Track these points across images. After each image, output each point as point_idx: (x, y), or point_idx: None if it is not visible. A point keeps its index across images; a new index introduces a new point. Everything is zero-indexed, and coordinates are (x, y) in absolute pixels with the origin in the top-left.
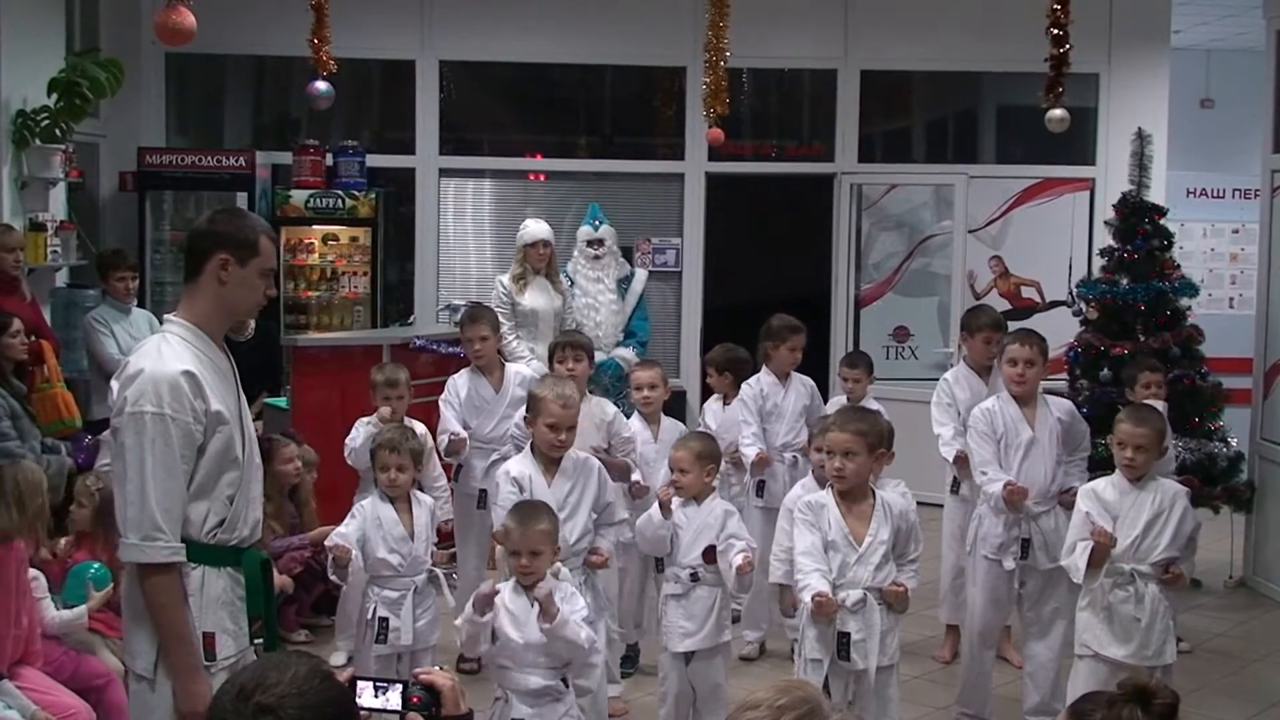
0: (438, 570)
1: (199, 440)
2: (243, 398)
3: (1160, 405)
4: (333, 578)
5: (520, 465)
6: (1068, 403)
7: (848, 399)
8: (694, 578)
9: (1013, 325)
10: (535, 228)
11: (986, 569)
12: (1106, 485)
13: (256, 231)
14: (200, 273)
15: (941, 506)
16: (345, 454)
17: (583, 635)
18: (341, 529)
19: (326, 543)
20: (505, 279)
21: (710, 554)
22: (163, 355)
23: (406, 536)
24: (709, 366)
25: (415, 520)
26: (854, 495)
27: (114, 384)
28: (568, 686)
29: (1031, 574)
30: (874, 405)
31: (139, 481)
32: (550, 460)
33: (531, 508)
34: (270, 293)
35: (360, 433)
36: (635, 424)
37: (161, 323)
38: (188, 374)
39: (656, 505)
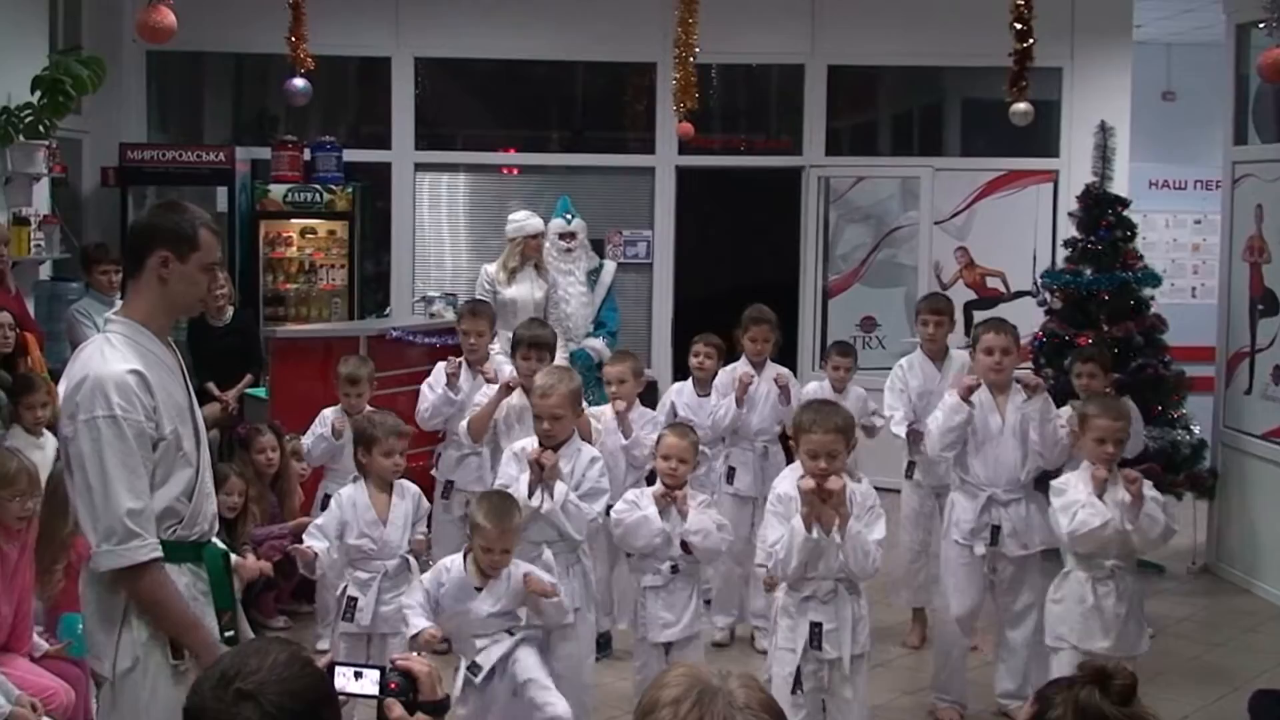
0: (410, 558)
1: (153, 437)
2: (192, 392)
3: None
4: (302, 571)
5: (525, 443)
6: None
7: (833, 386)
8: (674, 569)
9: (979, 315)
10: (535, 220)
11: (957, 554)
12: (1077, 481)
13: (196, 225)
14: (141, 270)
15: (900, 492)
16: (307, 451)
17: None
18: (319, 521)
19: (305, 538)
20: (492, 268)
21: (687, 545)
22: (106, 357)
23: (378, 521)
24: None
25: (393, 506)
26: None
27: (60, 389)
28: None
29: (1003, 562)
30: (861, 392)
31: (102, 487)
32: (550, 448)
33: (501, 500)
34: (216, 287)
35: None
36: (606, 412)
37: (105, 323)
38: (134, 372)
39: (653, 508)
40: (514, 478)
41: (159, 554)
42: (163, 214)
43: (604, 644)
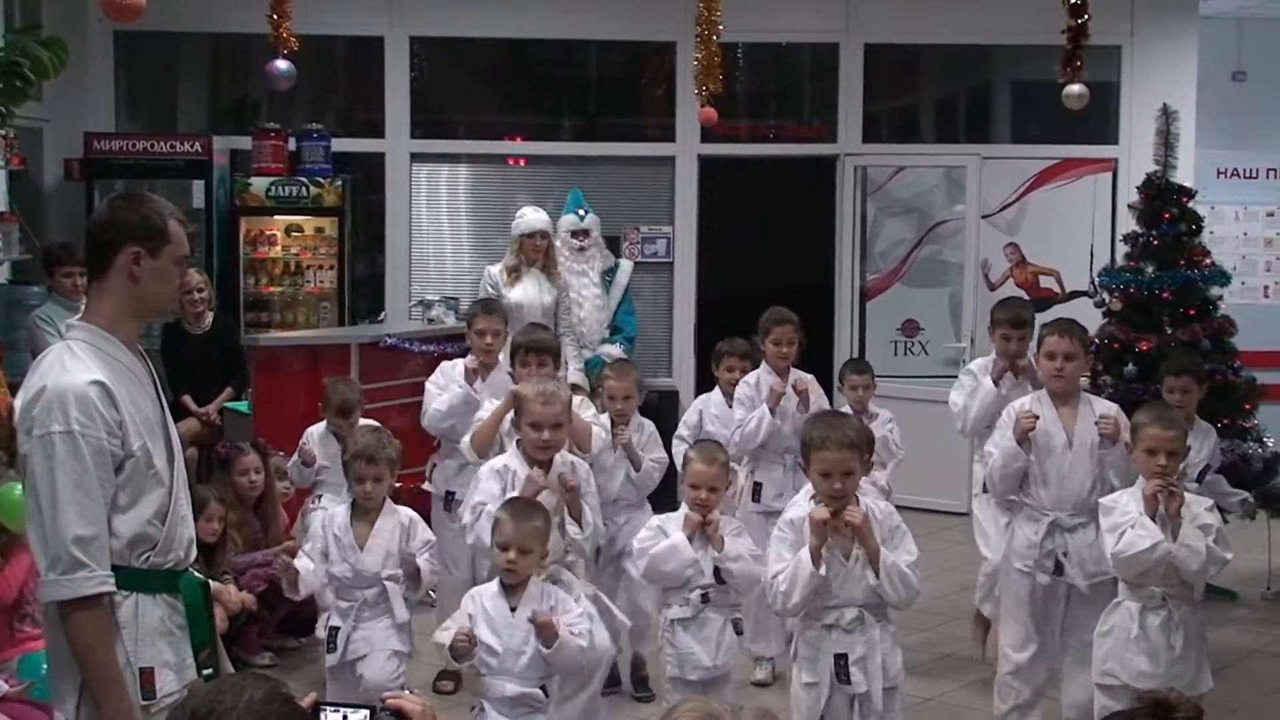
0: (390, 584)
1: (117, 455)
2: (165, 404)
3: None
4: (286, 593)
5: (507, 460)
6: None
7: (853, 409)
8: (704, 599)
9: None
10: (533, 217)
11: (1018, 584)
12: (1128, 499)
13: (164, 216)
14: (108, 270)
15: (960, 515)
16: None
17: (582, 644)
18: (306, 548)
19: (297, 559)
20: (495, 269)
21: (720, 574)
22: (66, 367)
23: (354, 546)
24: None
25: (375, 530)
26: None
27: (17, 402)
28: (547, 696)
29: (1074, 594)
30: (885, 412)
31: (52, 510)
32: (538, 462)
33: (527, 504)
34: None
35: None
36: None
37: (65, 329)
38: (96, 384)
39: (681, 535)
40: (496, 497)
41: (107, 588)
42: (127, 207)
43: (614, 679)
